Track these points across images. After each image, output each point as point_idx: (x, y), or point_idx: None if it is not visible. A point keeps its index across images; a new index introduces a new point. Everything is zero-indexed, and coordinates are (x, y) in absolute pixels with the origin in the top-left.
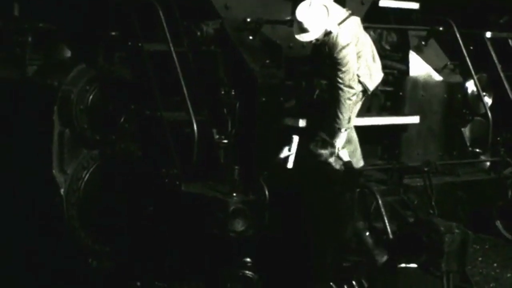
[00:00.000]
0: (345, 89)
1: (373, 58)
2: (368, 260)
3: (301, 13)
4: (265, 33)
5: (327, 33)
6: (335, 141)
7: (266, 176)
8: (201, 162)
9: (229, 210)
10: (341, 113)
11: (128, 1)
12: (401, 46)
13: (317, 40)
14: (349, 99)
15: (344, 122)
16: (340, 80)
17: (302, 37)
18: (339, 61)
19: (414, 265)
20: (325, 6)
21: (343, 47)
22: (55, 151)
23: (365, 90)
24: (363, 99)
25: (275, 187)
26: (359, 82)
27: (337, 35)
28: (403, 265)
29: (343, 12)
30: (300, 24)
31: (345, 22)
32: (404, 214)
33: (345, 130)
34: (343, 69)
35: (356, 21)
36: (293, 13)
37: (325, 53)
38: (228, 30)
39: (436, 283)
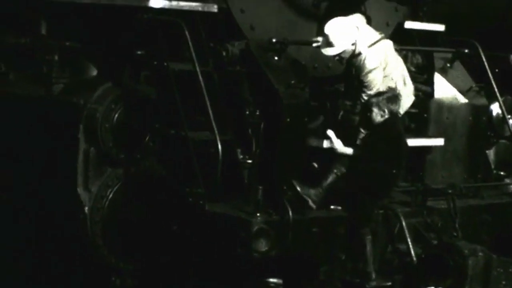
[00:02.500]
0: None
1: (404, 81)
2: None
3: (329, 27)
4: (290, 53)
5: (356, 55)
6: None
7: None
8: (225, 182)
9: (252, 230)
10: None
11: (155, 20)
12: (426, 67)
13: (341, 57)
14: None
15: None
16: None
17: (326, 51)
18: (365, 84)
19: None
20: (357, 27)
21: (370, 71)
22: (80, 169)
23: None
24: None
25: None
26: None
27: (365, 58)
28: None
29: (375, 35)
30: (326, 37)
31: (375, 45)
32: (428, 236)
33: None
34: (369, 92)
35: (387, 44)
36: (318, 34)
37: (352, 75)
38: (254, 51)
39: None
